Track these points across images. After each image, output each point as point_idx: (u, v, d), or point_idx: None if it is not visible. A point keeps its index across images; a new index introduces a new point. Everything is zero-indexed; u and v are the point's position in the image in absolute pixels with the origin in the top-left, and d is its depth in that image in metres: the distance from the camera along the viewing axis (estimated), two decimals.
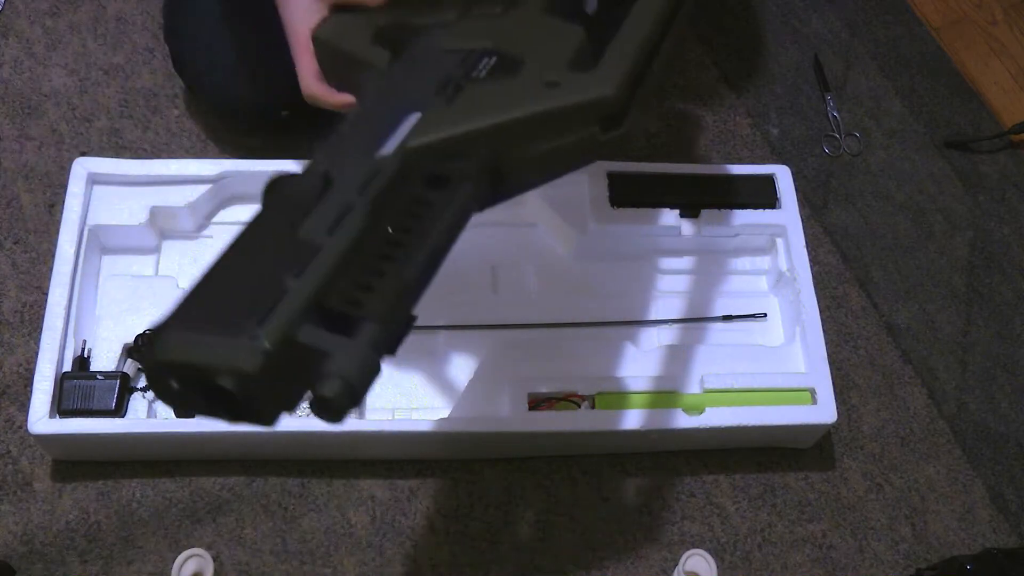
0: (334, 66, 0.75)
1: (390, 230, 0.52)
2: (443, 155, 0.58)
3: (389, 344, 0.49)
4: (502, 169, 0.60)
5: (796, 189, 0.96)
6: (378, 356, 0.47)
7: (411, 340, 0.93)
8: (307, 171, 0.56)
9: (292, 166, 0.91)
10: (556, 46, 0.64)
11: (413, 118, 0.59)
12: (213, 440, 0.82)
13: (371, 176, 0.55)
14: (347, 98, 0.75)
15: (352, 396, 0.45)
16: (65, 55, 1.05)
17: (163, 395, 0.47)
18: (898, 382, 0.96)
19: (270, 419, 0.47)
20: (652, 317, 0.93)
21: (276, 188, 0.55)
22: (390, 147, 0.57)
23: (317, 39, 0.74)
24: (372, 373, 0.46)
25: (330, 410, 0.45)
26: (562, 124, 0.59)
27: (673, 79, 1.12)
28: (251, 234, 0.52)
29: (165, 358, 0.45)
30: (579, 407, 0.86)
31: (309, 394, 0.46)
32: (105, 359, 0.84)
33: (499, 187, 0.60)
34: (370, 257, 0.51)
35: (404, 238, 0.52)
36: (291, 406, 0.48)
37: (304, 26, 0.75)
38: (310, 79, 0.75)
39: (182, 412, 0.48)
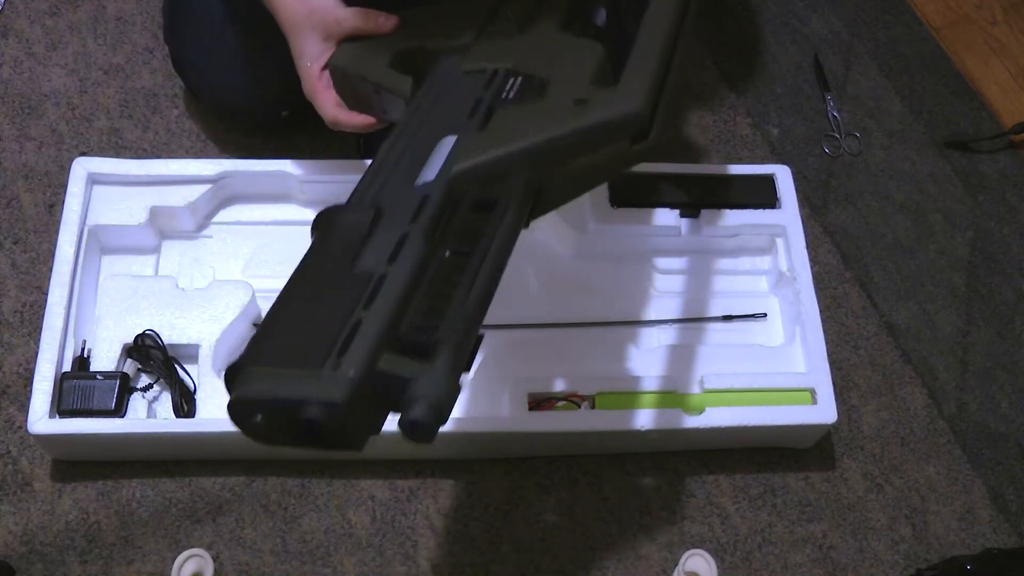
0: (353, 92, 0.75)
1: (448, 254, 0.54)
2: (486, 178, 0.59)
3: (466, 364, 0.51)
4: (541, 187, 0.61)
5: (796, 189, 0.96)
6: (457, 377, 0.48)
7: None
8: (354, 203, 0.57)
9: (292, 166, 0.91)
10: (577, 63, 0.65)
11: (449, 142, 0.60)
12: (213, 440, 0.82)
13: (420, 204, 0.56)
14: (370, 119, 0.76)
15: (440, 417, 0.47)
16: (65, 55, 1.05)
17: (247, 429, 0.49)
18: (898, 382, 0.96)
19: (358, 444, 0.48)
20: (652, 317, 0.93)
21: (325, 222, 0.56)
22: (432, 174, 0.59)
23: (335, 67, 0.75)
24: (455, 393, 0.48)
25: (421, 432, 0.47)
26: (594, 141, 0.61)
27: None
28: (309, 270, 0.53)
29: (249, 396, 0.47)
30: (579, 407, 0.86)
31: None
32: (105, 359, 0.84)
33: (540, 204, 0.62)
34: (433, 282, 0.53)
35: (463, 261, 0.54)
36: (376, 430, 0.49)
37: (317, 64, 0.76)
38: (332, 110, 0.76)
39: (266, 443, 0.49)
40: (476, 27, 0.72)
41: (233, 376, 0.48)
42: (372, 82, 0.73)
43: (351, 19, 0.76)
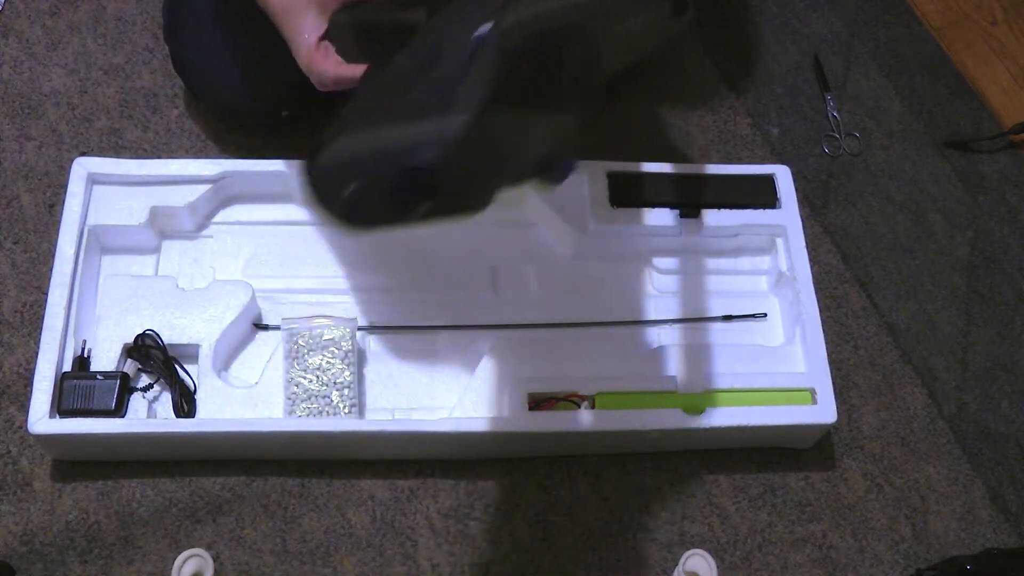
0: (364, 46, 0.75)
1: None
2: (538, 31, 0.58)
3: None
4: (584, 55, 0.60)
5: (796, 189, 0.96)
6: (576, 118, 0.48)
7: (411, 340, 0.94)
8: (418, 41, 0.56)
9: (292, 166, 0.91)
10: None
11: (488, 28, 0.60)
12: (213, 440, 0.82)
13: (478, 45, 0.55)
14: (350, 69, 0.74)
15: (570, 151, 0.46)
16: (65, 55, 1.05)
17: (336, 209, 0.47)
18: (898, 382, 0.96)
19: (471, 200, 0.47)
20: (652, 317, 0.93)
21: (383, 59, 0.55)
22: (486, 28, 0.57)
23: (340, 26, 0.74)
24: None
25: (554, 168, 0.46)
26: (634, 4, 0.61)
27: (673, 79, 1.12)
28: (379, 77, 0.52)
29: (346, 156, 0.45)
30: (579, 407, 0.86)
31: None
32: (105, 359, 0.84)
33: (586, 72, 0.60)
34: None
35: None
36: (485, 194, 0.47)
37: (315, 36, 0.75)
38: (334, 68, 0.74)
39: (358, 223, 0.47)
40: None
41: (316, 151, 0.46)
42: (388, 23, 0.72)
43: None
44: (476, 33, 0.57)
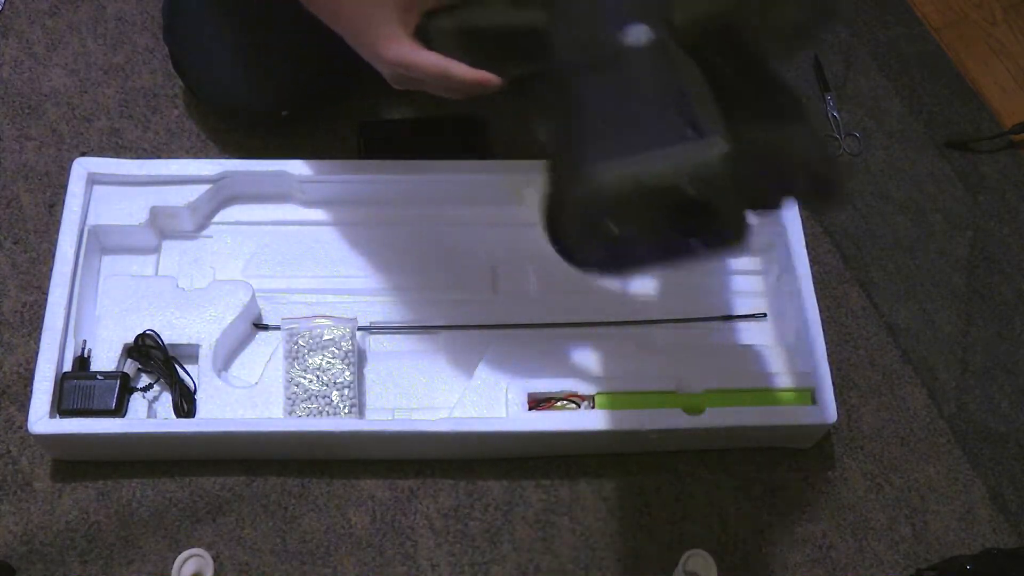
0: (477, 48, 0.72)
1: (728, 71, 0.52)
2: (709, 23, 0.57)
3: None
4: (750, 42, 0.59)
5: None
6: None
7: (411, 340, 0.94)
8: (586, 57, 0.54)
9: (292, 166, 0.91)
10: None
11: (640, 29, 0.57)
12: (213, 440, 0.82)
13: (662, 48, 0.53)
14: (489, 75, 0.71)
15: (833, 168, 0.44)
16: (65, 55, 1.05)
17: (593, 245, 0.44)
18: (898, 382, 0.96)
19: (741, 232, 0.44)
20: (652, 317, 0.93)
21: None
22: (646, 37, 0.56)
23: (443, 30, 0.71)
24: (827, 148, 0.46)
25: (830, 187, 0.44)
26: None
27: None
28: (587, 86, 0.50)
29: (611, 190, 0.42)
30: (579, 407, 0.86)
31: None
32: (105, 359, 0.84)
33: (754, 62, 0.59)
34: (735, 89, 0.50)
35: (744, 73, 0.51)
36: (743, 219, 0.44)
37: (406, 42, 0.71)
38: (441, 60, 0.70)
39: (614, 266, 0.45)
40: None
41: (565, 192, 0.43)
42: (504, 26, 0.69)
43: None
44: (631, 38, 0.55)
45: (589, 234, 0.43)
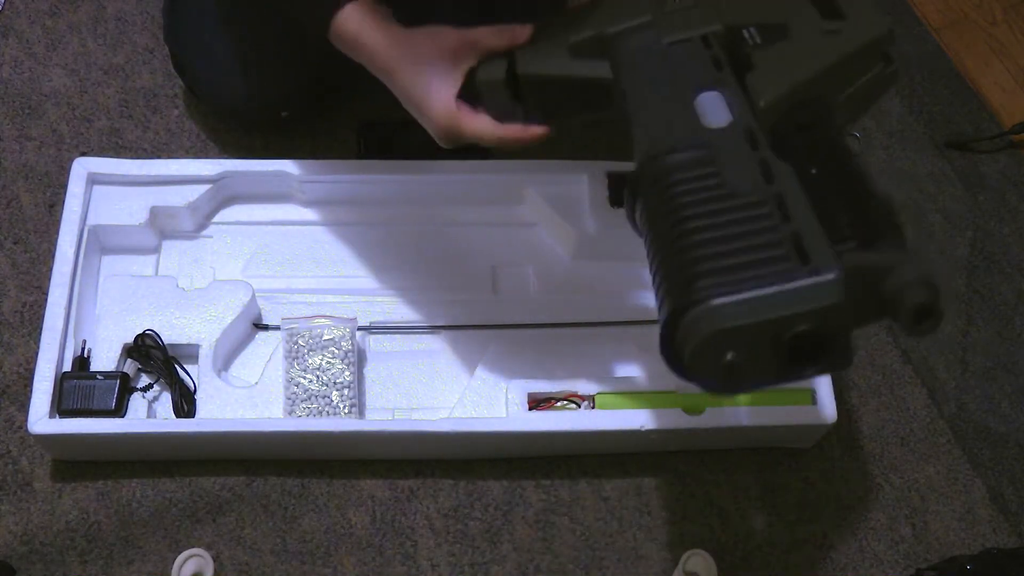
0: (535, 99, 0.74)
1: (813, 171, 0.54)
2: (788, 107, 0.60)
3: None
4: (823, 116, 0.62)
5: None
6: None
7: (411, 340, 0.94)
8: (664, 151, 0.56)
9: (292, 166, 0.91)
10: (787, 5, 0.67)
11: (712, 96, 0.60)
12: (213, 440, 0.82)
13: (748, 136, 0.56)
14: (543, 129, 0.74)
15: (939, 293, 0.45)
16: (65, 55, 1.05)
17: (713, 375, 0.46)
18: (898, 382, 0.96)
19: (849, 355, 0.46)
20: (652, 317, 0.93)
21: (651, 171, 0.55)
22: (723, 117, 0.58)
23: (493, 83, 0.73)
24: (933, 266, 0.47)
25: (930, 317, 0.45)
26: (862, 65, 0.63)
27: None
28: (680, 209, 0.52)
29: (726, 327, 0.44)
30: (579, 407, 0.86)
31: None
32: (105, 359, 0.84)
33: (823, 136, 0.62)
34: (824, 193, 0.52)
35: (832, 170, 0.54)
36: (851, 342, 0.47)
37: (452, 92, 0.72)
38: (496, 128, 0.73)
39: (732, 388, 0.47)
40: (647, 7, 0.71)
41: (681, 320, 0.45)
42: (567, 78, 0.72)
43: (489, 38, 0.73)
44: (714, 125, 0.57)
45: (707, 364, 0.46)
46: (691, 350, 0.46)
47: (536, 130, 0.74)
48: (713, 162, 0.54)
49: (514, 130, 0.74)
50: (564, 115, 0.75)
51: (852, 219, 0.50)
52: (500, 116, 0.74)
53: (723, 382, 0.47)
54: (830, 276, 0.46)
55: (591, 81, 0.71)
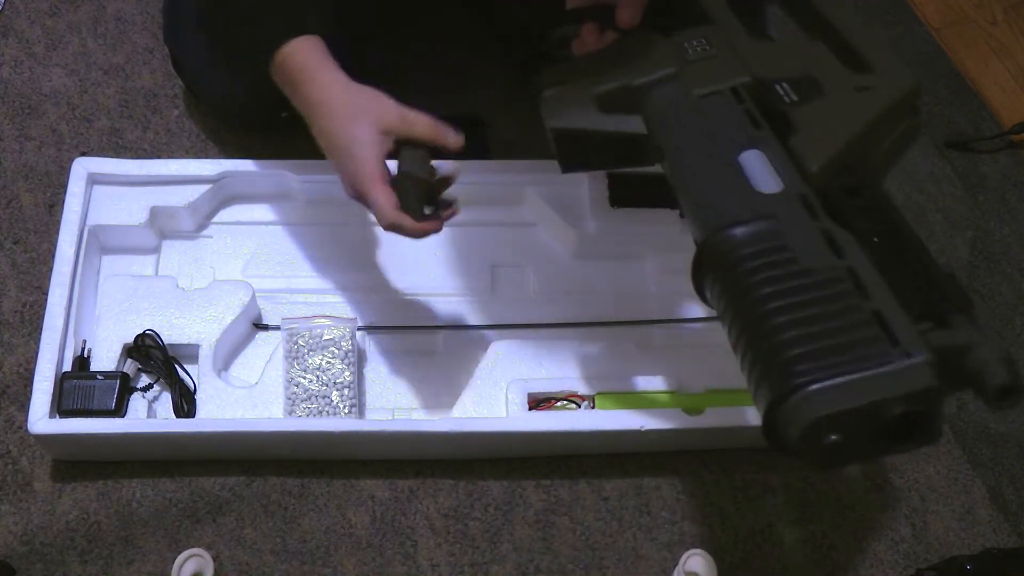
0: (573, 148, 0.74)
1: (875, 240, 0.55)
2: (839, 168, 0.60)
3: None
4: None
5: None
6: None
7: (411, 340, 0.93)
8: (727, 223, 0.56)
9: (292, 166, 0.91)
10: (817, 59, 0.67)
11: (755, 155, 0.61)
12: (213, 440, 0.82)
13: (804, 204, 0.56)
14: (434, 225, 0.76)
15: (1018, 374, 0.47)
16: (65, 55, 1.05)
17: (817, 455, 0.48)
18: None
19: (940, 429, 0.48)
20: (652, 317, 0.93)
21: (718, 247, 0.56)
22: (773, 182, 0.59)
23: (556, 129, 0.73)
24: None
25: (1015, 395, 0.46)
26: (894, 119, 0.64)
27: None
28: (754, 289, 0.52)
29: (829, 413, 0.46)
30: (579, 407, 0.86)
31: None
32: (105, 359, 0.84)
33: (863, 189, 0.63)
34: (888, 265, 0.53)
35: (889, 237, 0.54)
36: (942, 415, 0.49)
37: (374, 154, 0.73)
38: (391, 210, 0.73)
39: (837, 463, 0.50)
40: (668, 56, 0.71)
41: (780, 409, 0.47)
42: (598, 133, 0.72)
43: (423, 128, 0.75)
44: (765, 191, 0.58)
45: (812, 445, 0.48)
46: (796, 435, 0.47)
47: (429, 227, 0.75)
48: (781, 235, 0.54)
49: (408, 221, 0.74)
50: (596, 166, 0.75)
51: (924, 295, 0.51)
52: (405, 201, 0.74)
53: (827, 461, 0.49)
54: (922, 359, 0.47)
55: (625, 136, 0.71)
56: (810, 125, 0.63)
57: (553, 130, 0.73)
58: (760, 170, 0.60)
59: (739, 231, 0.55)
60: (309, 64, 0.75)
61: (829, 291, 0.51)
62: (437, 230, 0.76)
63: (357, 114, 0.74)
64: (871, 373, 0.47)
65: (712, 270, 0.56)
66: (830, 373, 0.47)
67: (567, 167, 0.76)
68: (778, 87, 0.66)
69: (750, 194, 0.58)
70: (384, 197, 0.73)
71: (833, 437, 0.47)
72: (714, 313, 0.95)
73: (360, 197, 0.76)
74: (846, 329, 0.49)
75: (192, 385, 0.85)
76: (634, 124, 0.71)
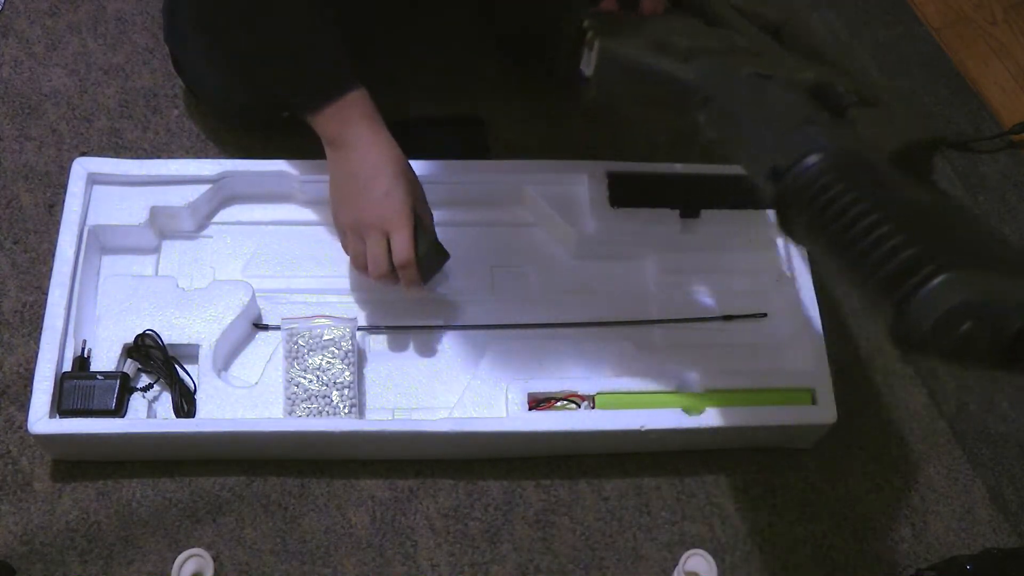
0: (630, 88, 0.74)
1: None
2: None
3: None
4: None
5: None
6: None
7: (411, 340, 0.93)
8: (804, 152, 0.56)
9: (292, 166, 0.91)
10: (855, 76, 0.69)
11: (817, 131, 0.60)
12: (213, 440, 0.82)
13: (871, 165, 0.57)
14: (424, 291, 0.85)
15: None
16: (65, 55, 1.05)
17: (944, 343, 0.47)
18: (898, 382, 0.96)
19: None
20: (652, 317, 0.93)
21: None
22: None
23: (614, 54, 0.73)
24: None
25: None
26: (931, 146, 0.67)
27: None
28: (867, 198, 0.52)
29: (972, 298, 0.46)
30: (579, 407, 0.86)
31: None
32: (105, 359, 0.84)
33: None
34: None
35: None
36: None
37: (410, 208, 0.81)
38: (411, 250, 0.81)
39: (955, 359, 0.48)
40: (723, 40, 0.72)
41: (925, 289, 0.47)
42: (651, 70, 0.71)
43: (429, 216, 0.84)
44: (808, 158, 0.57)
45: (946, 332, 0.47)
46: (939, 317, 0.47)
47: (412, 293, 0.84)
48: (865, 158, 0.55)
49: (392, 281, 0.82)
50: (630, 105, 0.75)
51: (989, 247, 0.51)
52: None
53: (957, 352, 0.48)
54: None
55: (675, 80, 0.71)
56: (872, 124, 0.63)
57: (605, 56, 0.72)
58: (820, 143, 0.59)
59: (814, 159, 0.55)
60: (367, 118, 0.80)
61: (946, 201, 0.51)
62: (421, 290, 0.84)
63: (405, 170, 0.82)
64: (1013, 280, 0.47)
65: (800, 200, 0.55)
66: (973, 266, 0.47)
67: (599, 96, 0.74)
68: (840, 87, 0.66)
69: (818, 129, 0.59)
70: (411, 237, 0.80)
71: (968, 324, 0.46)
72: (714, 313, 0.96)
73: (378, 228, 0.80)
74: (975, 238, 0.49)
75: (192, 385, 0.85)
76: (686, 71, 0.70)
